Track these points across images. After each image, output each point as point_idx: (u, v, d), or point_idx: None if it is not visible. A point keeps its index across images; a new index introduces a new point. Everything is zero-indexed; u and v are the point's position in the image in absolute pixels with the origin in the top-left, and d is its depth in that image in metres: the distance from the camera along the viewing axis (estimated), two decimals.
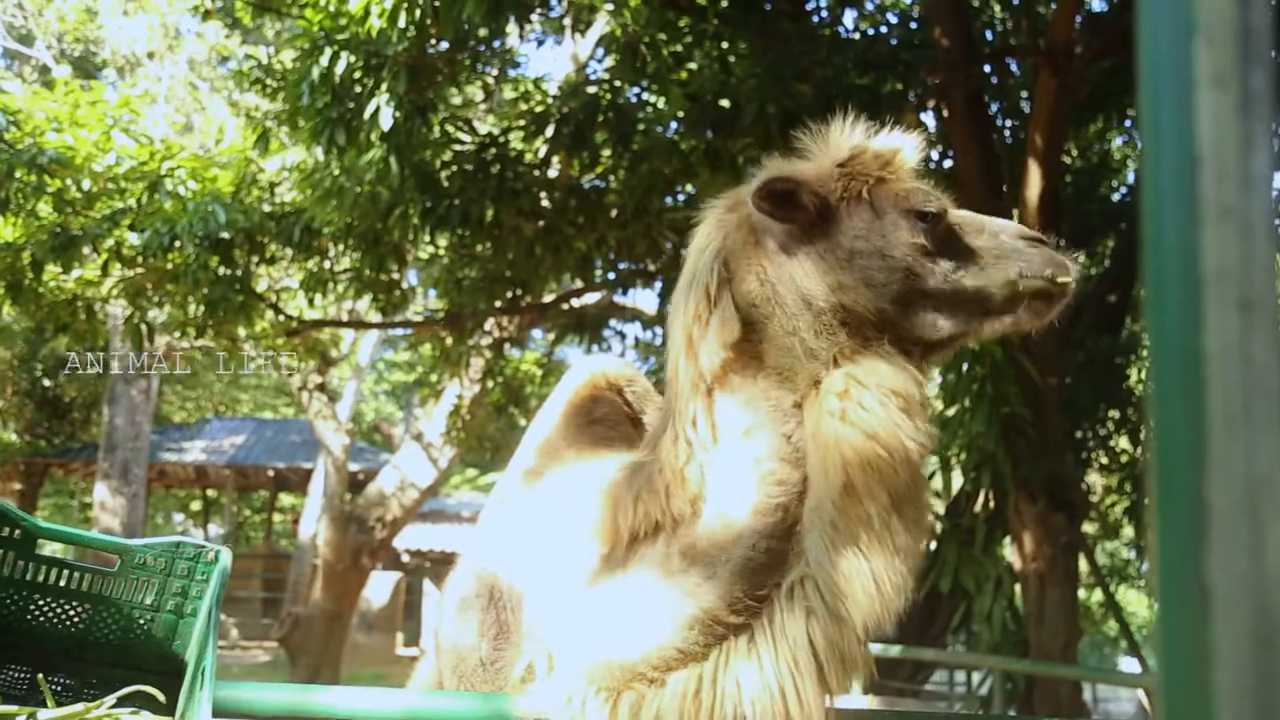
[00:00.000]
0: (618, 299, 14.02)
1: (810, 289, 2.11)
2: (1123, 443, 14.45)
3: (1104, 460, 14.97)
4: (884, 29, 11.94)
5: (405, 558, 27.27)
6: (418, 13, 7.52)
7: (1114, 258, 14.03)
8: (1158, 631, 0.66)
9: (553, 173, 10.61)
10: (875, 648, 6.08)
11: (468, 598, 2.58)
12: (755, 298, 2.14)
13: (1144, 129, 0.71)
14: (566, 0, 11.17)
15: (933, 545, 9.94)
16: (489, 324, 13.12)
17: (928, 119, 11.64)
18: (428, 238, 10.02)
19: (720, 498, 2.12)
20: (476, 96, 12.37)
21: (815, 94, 8.10)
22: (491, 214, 9.30)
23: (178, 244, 9.81)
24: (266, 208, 10.60)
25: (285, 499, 31.96)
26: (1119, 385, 13.59)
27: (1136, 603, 28.37)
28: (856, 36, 11.19)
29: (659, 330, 13.69)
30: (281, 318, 12.21)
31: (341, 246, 10.54)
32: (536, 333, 16.08)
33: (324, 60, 7.93)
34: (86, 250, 10.57)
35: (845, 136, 2.24)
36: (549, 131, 9.40)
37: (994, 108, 11.94)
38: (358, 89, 8.08)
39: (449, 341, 12.69)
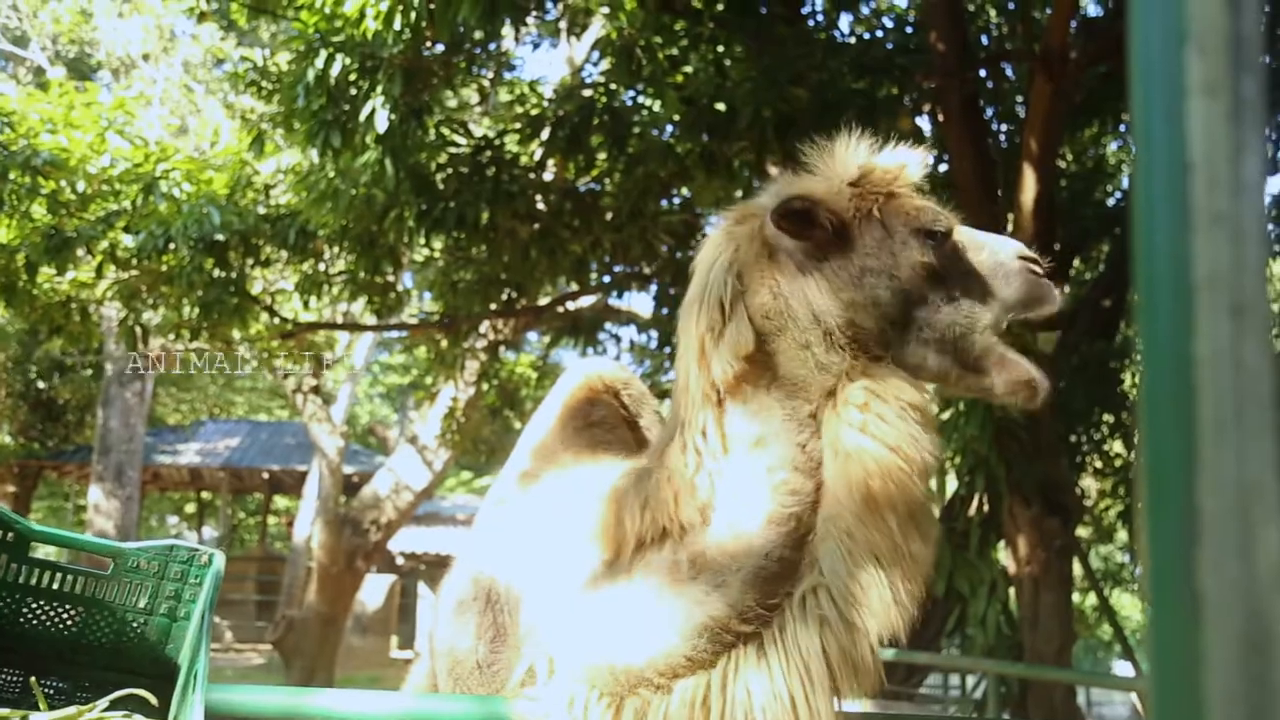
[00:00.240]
0: (613, 302, 14.04)
1: (823, 305, 2.13)
2: (1117, 447, 14.47)
3: (1098, 464, 14.99)
4: (879, 33, 11.96)
5: (400, 560, 27.24)
6: (413, 15, 7.52)
7: (1108, 262, 14.04)
8: (1149, 636, 0.66)
9: (548, 176, 10.62)
10: None
11: (464, 600, 2.58)
12: (768, 311, 2.15)
13: (1136, 136, 0.71)
14: (562, 3, 11.18)
15: None
16: (484, 327, 13.12)
17: (923, 123, 11.66)
18: (423, 240, 10.03)
19: (731, 507, 2.12)
20: (472, 99, 12.37)
21: (811, 98, 8.12)
22: (487, 217, 9.30)
23: (172, 246, 9.81)
24: (261, 210, 10.59)
25: (280, 501, 31.91)
26: (1113, 389, 13.61)
27: (1130, 607, 28.40)
28: (852, 41, 11.22)
29: (654, 333, 13.71)
30: (276, 320, 12.20)
31: (336, 249, 10.54)
32: (531, 335, 16.08)
33: (319, 62, 7.93)
34: (81, 252, 10.56)
35: (852, 152, 2.27)
36: (544, 134, 9.41)
37: (989, 112, 11.96)
38: (353, 91, 8.08)
39: (444, 344, 12.69)
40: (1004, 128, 12.49)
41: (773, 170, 9.87)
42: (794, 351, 2.14)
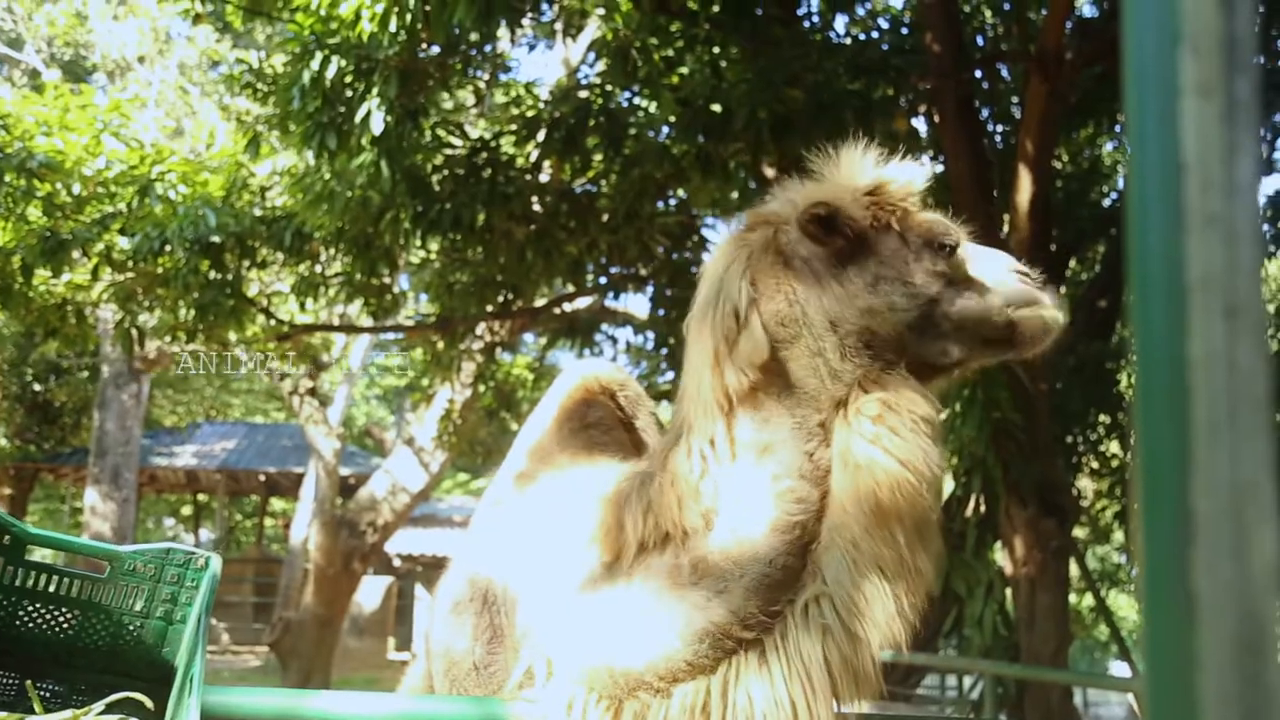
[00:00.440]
0: (609, 303, 14.04)
1: (839, 312, 2.15)
2: (1113, 447, 14.49)
3: (1094, 465, 15.02)
4: (875, 34, 11.97)
5: (397, 562, 27.23)
6: (409, 17, 7.51)
7: (1104, 263, 14.07)
8: (1144, 637, 0.66)
9: (544, 177, 10.61)
10: None
11: (460, 601, 2.58)
12: (783, 318, 2.16)
13: (1130, 137, 0.71)
14: (558, 5, 11.18)
15: None
16: (480, 328, 13.12)
17: (919, 124, 11.67)
18: (419, 242, 10.03)
19: (735, 513, 2.13)
20: (468, 101, 12.36)
21: (806, 99, 8.12)
22: (483, 218, 9.30)
23: (168, 248, 9.80)
24: (257, 212, 10.58)
25: (276, 503, 31.89)
26: (1109, 390, 13.63)
27: (1127, 607, 28.44)
28: (848, 42, 11.22)
29: (650, 335, 13.71)
30: (273, 322, 12.19)
31: (332, 251, 10.53)
32: (528, 337, 16.07)
33: (315, 64, 7.93)
34: (76, 254, 10.55)
35: (861, 163, 2.31)
36: (540, 136, 9.41)
37: (985, 113, 11.98)
38: (349, 93, 8.08)
39: (440, 346, 12.68)
40: (999, 128, 12.51)
41: (769, 171, 9.89)
42: (806, 359, 2.15)
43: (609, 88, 9.80)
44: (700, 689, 2.07)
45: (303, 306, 11.99)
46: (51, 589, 2.12)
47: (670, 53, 9.62)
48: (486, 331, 13.38)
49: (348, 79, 8.03)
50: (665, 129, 9.85)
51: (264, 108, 10.70)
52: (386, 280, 11.33)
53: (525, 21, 10.39)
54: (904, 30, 11.57)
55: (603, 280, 12.50)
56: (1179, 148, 0.68)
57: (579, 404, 2.79)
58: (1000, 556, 10.25)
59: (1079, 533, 14.94)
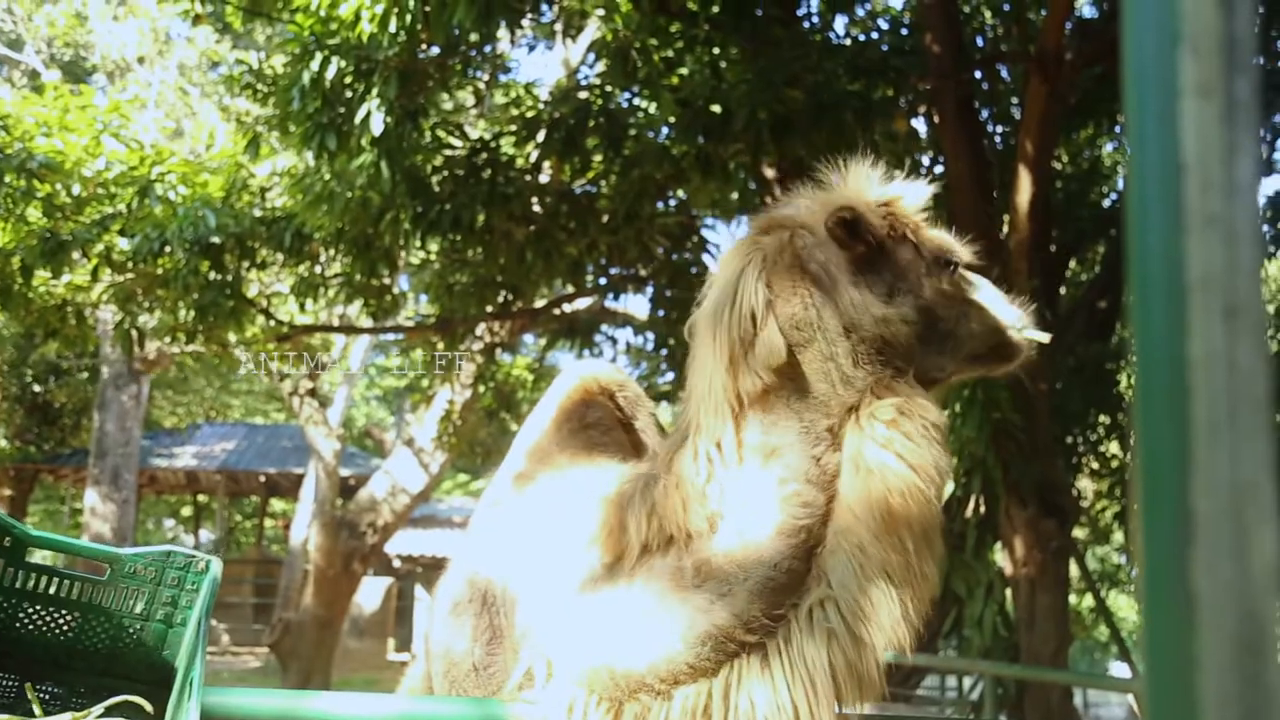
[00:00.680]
0: (609, 304, 14.04)
1: (855, 318, 2.16)
2: (1113, 448, 14.49)
3: (1094, 465, 15.02)
4: (875, 35, 11.97)
5: (397, 563, 27.22)
6: (408, 18, 7.52)
7: (1104, 264, 14.07)
8: (1144, 637, 0.66)
9: (544, 178, 10.62)
10: None
11: (460, 602, 2.58)
12: (799, 321, 2.16)
13: (1130, 138, 0.71)
14: (557, 5, 11.18)
15: None
16: (480, 329, 13.12)
17: (919, 125, 11.68)
18: (419, 243, 10.02)
19: (740, 516, 2.13)
20: (467, 101, 12.37)
21: (806, 100, 8.12)
22: (483, 219, 9.31)
23: (168, 249, 9.80)
24: (257, 213, 10.57)
25: (276, 504, 31.88)
26: (1109, 391, 13.63)
27: (1127, 608, 28.43)
28: (847, 42, 11.22)
29: (650, 335, 13.71)
30: (272, 323, 12.19)
31: (332, 251, 10.53)
32: (528, 338, 16.07)
33: (315, 65, 7.93)
34: (76, 255, 10.54)
35: (870, 178, 2.33)
36: (540, 136, 9.41)
37: (985, 114, 11.98)
38: (348, 94, 8.08)
39: (440, 346, 12.68)
40: (999, 129, 12.51)
41: (769, 172, 9.90)
42: (819, 364, 2.16)
43: (609, 88, 9.80)
44: (701, 691, 2.07)
45: (302, 307, 11.99)
46: (51, 591, 2.12)
47: (670, 53, 9.62)
48: (486, 332, 13.38)
49: (347, 80, 8.03)
50: (665, 130, 9.86)
51: (264, 108, 10.70)
52: (386, 281, 11.32)
53: (525, 22, 10.38)
54: (904, 31, 11.58)
55: (602, 281, 12.50)
56: (1179, 148, 0.68)
57: (578, 404, 2.79)
58: (1000, 557, 10.25)
59: (1079, 533, 14.94)
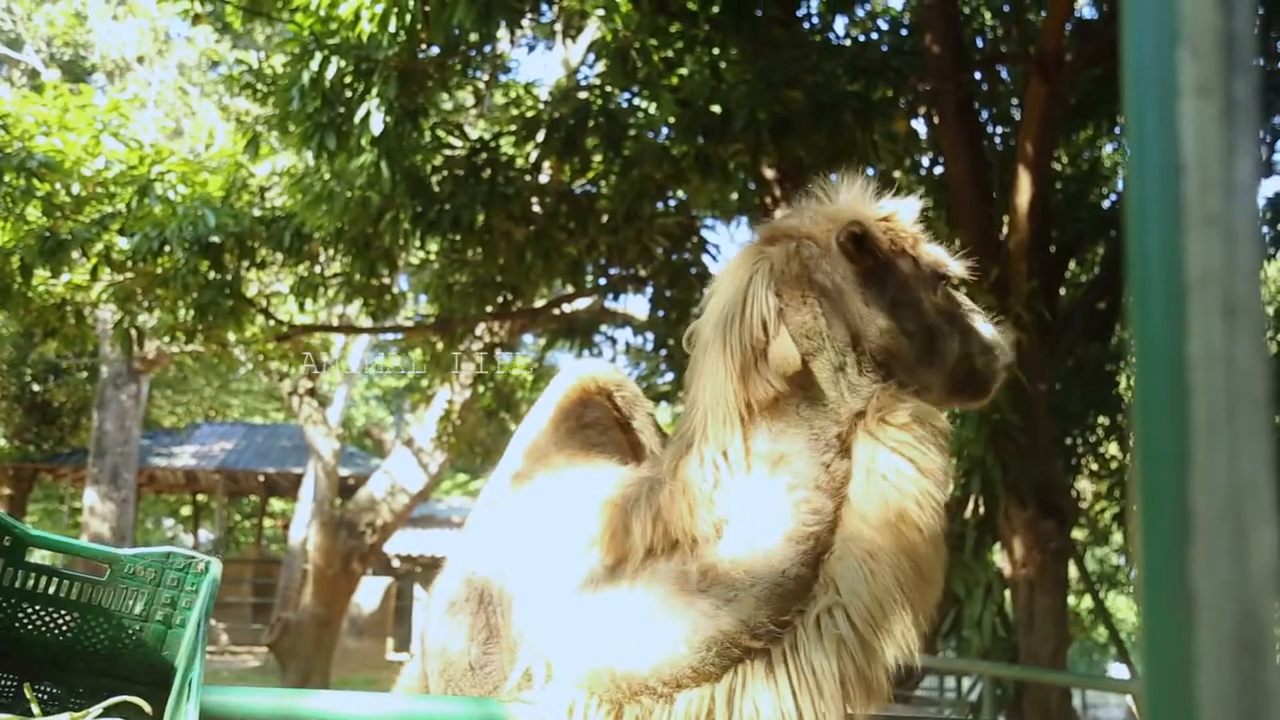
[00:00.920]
0: (609, 304, 14.04)
1: (861, 328, 2.20)
2: (1112, 449, 14.49)
3: (1094, 466, 15.02)
4: (875, 36, 11.97)
5: (396, 563, 27.23)
6: (408, 18, 7.52)
7: (1103, 265, 14.07)
8: (1142, 637, 0.66)
9: (544, 178, 10.61)
10: None
11: (456, 601, 2.58)
12: (809, 330, 2.19)
13: (1129, 137, 0.71)
14: (557, 6, 11.18)
15: None
16: (480, 329, 13.12)
17: (918, 126, 11.68)
18: (418, 243, 10.02)
19: (748, 522, 2.13)
20: (467, 101, 12.37)
21: (806, 100, 8.12)
22: (482, 219, 9.30)
23: (167, 248, 9.79)
24: (257, 212, 10.57)
25: (275, 504, 31.89)
26: (1108, 391, 13.63)
27: (1126, 609, 28.44)
28: (847, 43, 11.22)
29: (650, 335, 13.70)
30: (272, 322, 12.19)
31: (332, 251, 10.53)
32: (527, 338, 16.07)
33: (314, 65, 7.93)
34: (75, 254, 10.54)
35: (867, 194, 2.38)
36: (540, 137, 9.40)
37: (984, 115, 11.98)
38: (348, 94, 8.08)
39: (440, 346, 12.68)
40: (999, 130, 12.51)
41: (768, 172, 9.90)
42: (828, 373, 2.18)
43: (608, 88, 9.80)
44: (705, 696, 2.07)
45: (302, 307, 11.98)
46: (51, 591, 2.12)
47: (670, 54, 9.62)
48: (486, 332, 13.38)
49: (347, 79, 8.03)
50: (665, 130, 9.85)
51: (263, 108, 10.71)
52: (386, 281, 11.32)
53: (525, 22, 10.38)
54: (904, 32, 11.58)
55: (602, 281, 12.50)
56: (1178, 148, 0.68)
57: (575, 404, 2.79)
58: (999, 558, 10.25)
59: (1078, 534, 14.95)
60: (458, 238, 9.81)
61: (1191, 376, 0.66)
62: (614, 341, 14.47)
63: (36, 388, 24.32)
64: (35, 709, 2.03)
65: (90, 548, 2.20)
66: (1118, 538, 17.07)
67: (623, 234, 10.14)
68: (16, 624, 2.11)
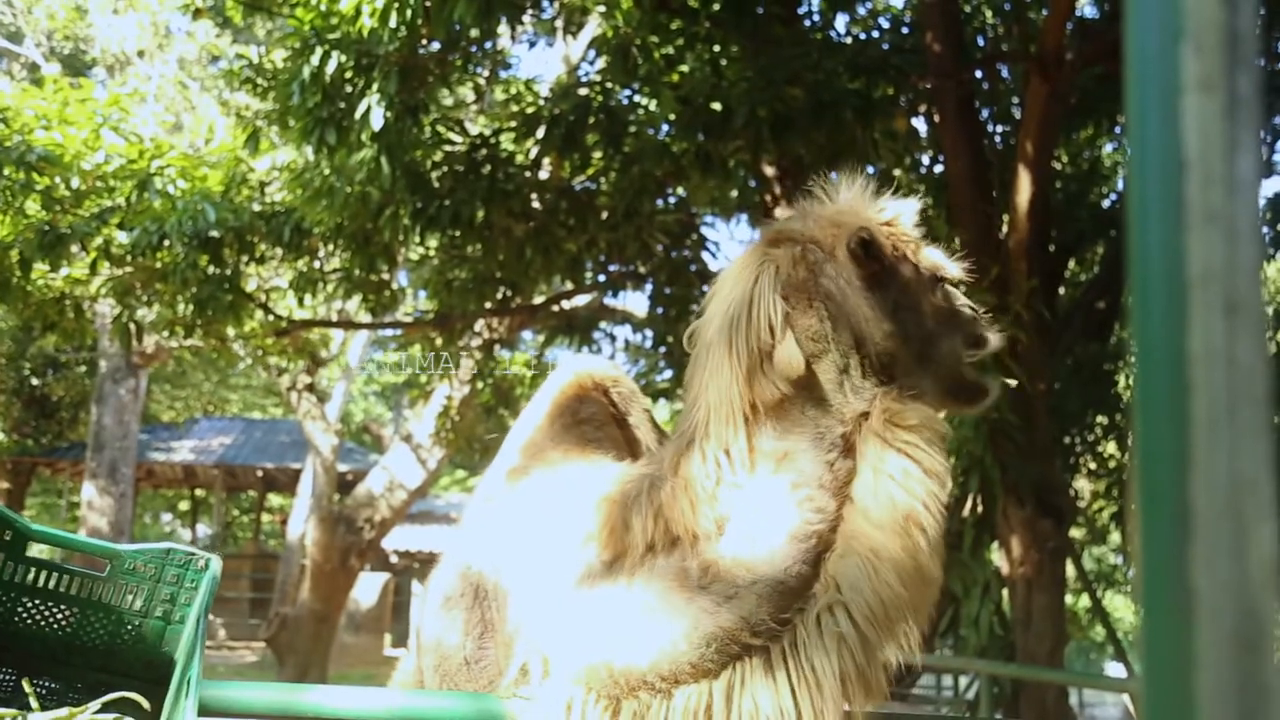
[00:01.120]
0: (608, 301, 14.04)
1: (866, 332, 2.23)
2: (1111, 448, 14.50)
3: (1092, 466, 15.03)
4: (875, 34, 11.97)
5: (394, 559, 27.25)
6: (409, 13, 7.51)
7: (1103, 264, 14.07)
8: (1141, 635, 0.66)
9: (544, 174, 10.61)
10: None
11: (452, 596, 2.58)
12: (814, 333, 2.21)
13: (1131, 133, 0.71)
14: (558, 2, 11.17)
15: None
16: (479, 325, 13.11)
17: (919, 124, 11.68)
18: (418, 238, 10.01)
19: (751, 520, 2.15)
20: (468, 97, 12.36)
21: (806, 98, 8.12)
22: (482, 215, 9.29)
23: (167, 243, 9.78)
24: (256, 207, 10.56)
25: (274, 499, 31.89)
26: (1107, 391, 13.64)
27: (1123, 608, 28.46)
28: (848, 41, 11.22)
29: (649, 332, 13.71)
30: (271, 317, 12.18)
31: (331, 246, 10.52)
32: (526, 334, 16.07)
33: (315, 60, 7.92)
34: (75, 248, 10.52)
35: (868, 196, 2.40)
36: (540, 133, 9.39)
37: (985, 113, 11.97)
38: (348, 89, 8.07)
39: (439, 342, 12.68)
40: (999, 129, 12.51)
41: (768, 170, 9.89)
42: (833, 375, 2.21)
43: (609, 85, 9.79)
44: (703, 692, 2.08)
45: (301, 302, 11.98)
46: (51, 586, 2.12)
47: (670, 50, 9.61)
48: (485, 328, 13.37)
49: (348, 74, 8.02)
50: (665, 127, 9.85)
51: (263, 103, 10.68)
52: (385, 276, 11.32)
53: (526, 18, 10.38)
54: (904, 30, 11.57)
55: (601, 278, 12.50)
56: (1180, 144, 0.68)
57: (571, 400, 2.80)
58: (997, 556, 10.25)
59: (1076, 534, 14.96)
60: (457, 233, 9.80)
61: (1192, 374, 0.65)
62: (613, 338, 14.49)
63: (35, 382, 24.32)
64: (34, 703, 2.03)
65: (91, 543, 2.20)
66: (1115, 537, 17.08)
67: (622, 231, 10.14)
68: (16, 618, 2.11)
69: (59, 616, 2.14)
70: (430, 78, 8.84)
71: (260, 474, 27.10)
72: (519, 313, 12.64)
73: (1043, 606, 9.18)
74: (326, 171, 9.08)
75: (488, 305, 11.68)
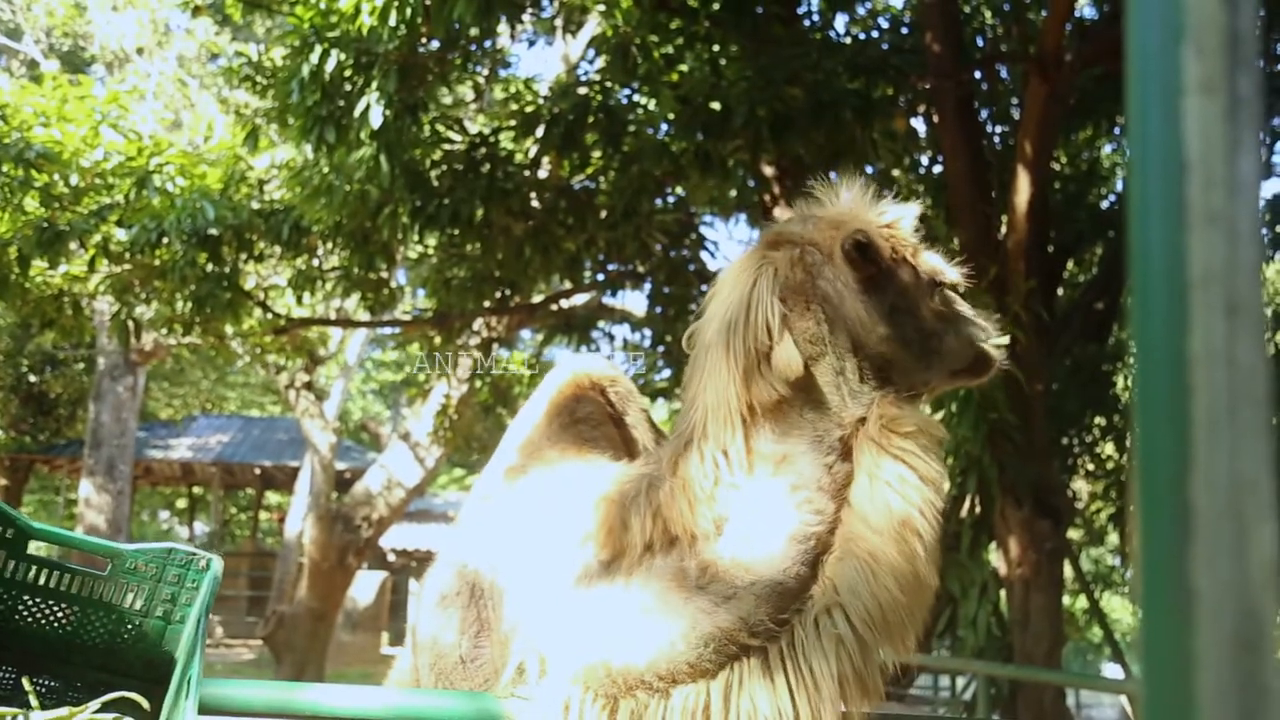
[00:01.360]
0: (607, 300, 14.03)
1: (861, 336, 2.24)
2: (1108, 449, 14.51)
3: (1090, 467, 15.04)
4: (875, 34, 11.97)
5: (391, 557, 27.26)
6: (409, 11, 7.51)
7: (1101, 265, 14.07)
8: (1141, 635, 0.66)
9: (543, 173, 10.61)
10: None
11: (448, 594, 2.59)
12: (811, 336, 2.22)
13: (1132, 134, 0.71)
14: (558, 1, 11.17)
15: None
16: (477, 324, 13.11)
17: (918, 124, 11.68)
18: (417, 237, 10.01)
19: (750, 521, 2.16)
20: (467, 96, 12.36)
21: (806, 98, 8.12)
22: (481, 214, 9.29)
23: (165, 240, 9.77)
24: (255, 205, 10.55)
25: (271, 497, 31.90)
26: (1105, 392, 13.64)
27: (1120, 610, 28.48)
28: (847, 41, 11.22)
29: (648, 331, 13.71)
30: (269, 315, 12.17)
31: (330, 245, 10.51)
32: (525, 333, 16.07)
33: (314, 58, 7.91)
34: (73, 246, 10.51)
35: (867, 199, 2.40)
36: (539, 132, 9.40)
37: (984, 114, 11.98)
38: (348, 87, 8.07)
39: (437, 341, 12.68)
40: (998, 129, 12.51)
41: (767, 170, 9.89)
42: (830, 377, 2.22)
43: (608, 84, 9.79)
44: (701, 692, 2.08)
45: (300, 300, 11.98)
46: (51, 584, 2.12)
47: (670, 50, 9.61)
48: (484, 327, 13.37)
49: (347, 73, 8.01)
50: (664, 126, 9.85)
51: (263, 101, 10.68)
52: (384, 275, 11.31)
53: (525, 17, 10.37)
54: (904, 30, 11.58)
55: (600, 277, 12.50)
56: (1181, 145, 0.68)
57: (569, 399, 2.81)
58: (995, 557, 10.26)
59: (1074, 534, 14.97)
60: (456, 232, 9.79)
61: (1193, 375, 0.66)
62: (612, 337, 14.48)
63: (33, 379, 24.30)
64: (34, 702, 2.03)
65: (93, 542, 2.20)
66: (1113, 538, 17.09)
67: (621, 230, 10.14)
68: (16, 616, 2.11)
69: (59, 615, 2.14)
70: (430, 76, 8.84)
71: (258, 472, 27.09)
72: (517, 311, 12.64)
73: (1040, 607, 9.18)
74: (325, 170, 9.08)
75: (486, 304, 11.68)
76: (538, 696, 2.17)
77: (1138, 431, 0.68)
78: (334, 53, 7.90)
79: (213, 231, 9.82)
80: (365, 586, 24.19)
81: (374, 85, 7.85)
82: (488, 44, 10.39)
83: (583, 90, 9.74)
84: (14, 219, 10.21)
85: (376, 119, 7.83)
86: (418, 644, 2.73)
